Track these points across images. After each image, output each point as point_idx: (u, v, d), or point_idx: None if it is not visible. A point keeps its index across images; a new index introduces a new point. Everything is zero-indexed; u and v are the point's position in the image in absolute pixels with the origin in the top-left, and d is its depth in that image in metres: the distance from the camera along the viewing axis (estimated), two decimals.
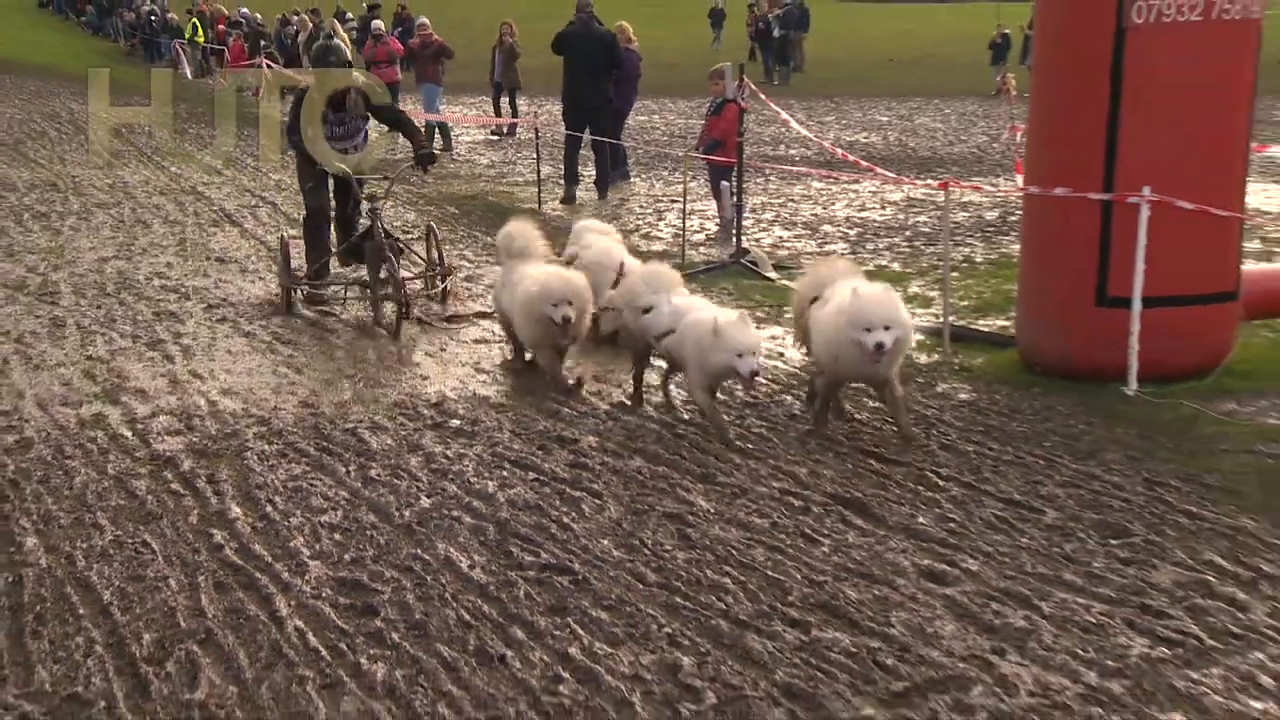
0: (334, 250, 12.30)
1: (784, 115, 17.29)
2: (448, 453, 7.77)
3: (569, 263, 10.14)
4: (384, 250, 11.02)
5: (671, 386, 8.95)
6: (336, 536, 6.47)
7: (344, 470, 7.45)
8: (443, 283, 11.98)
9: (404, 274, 11.21)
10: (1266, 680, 5.01)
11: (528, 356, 9.74)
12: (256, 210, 17.72)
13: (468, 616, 5.55)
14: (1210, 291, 8.64)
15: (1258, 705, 4.82)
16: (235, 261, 14.18)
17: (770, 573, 5.98)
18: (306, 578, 5.96)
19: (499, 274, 9.97)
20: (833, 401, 8.24)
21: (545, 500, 6.94)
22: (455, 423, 8.41)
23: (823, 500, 6.94)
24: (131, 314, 11.62)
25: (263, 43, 37.61)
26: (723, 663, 5.12)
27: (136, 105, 26.04)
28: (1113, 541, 6.36)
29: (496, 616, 5.56)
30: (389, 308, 11.19)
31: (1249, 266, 9.64)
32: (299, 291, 11.99)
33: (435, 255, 12.29)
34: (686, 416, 8.55)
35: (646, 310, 8.42)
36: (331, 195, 12.29)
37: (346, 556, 6.21)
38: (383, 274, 11.14)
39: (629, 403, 8.85)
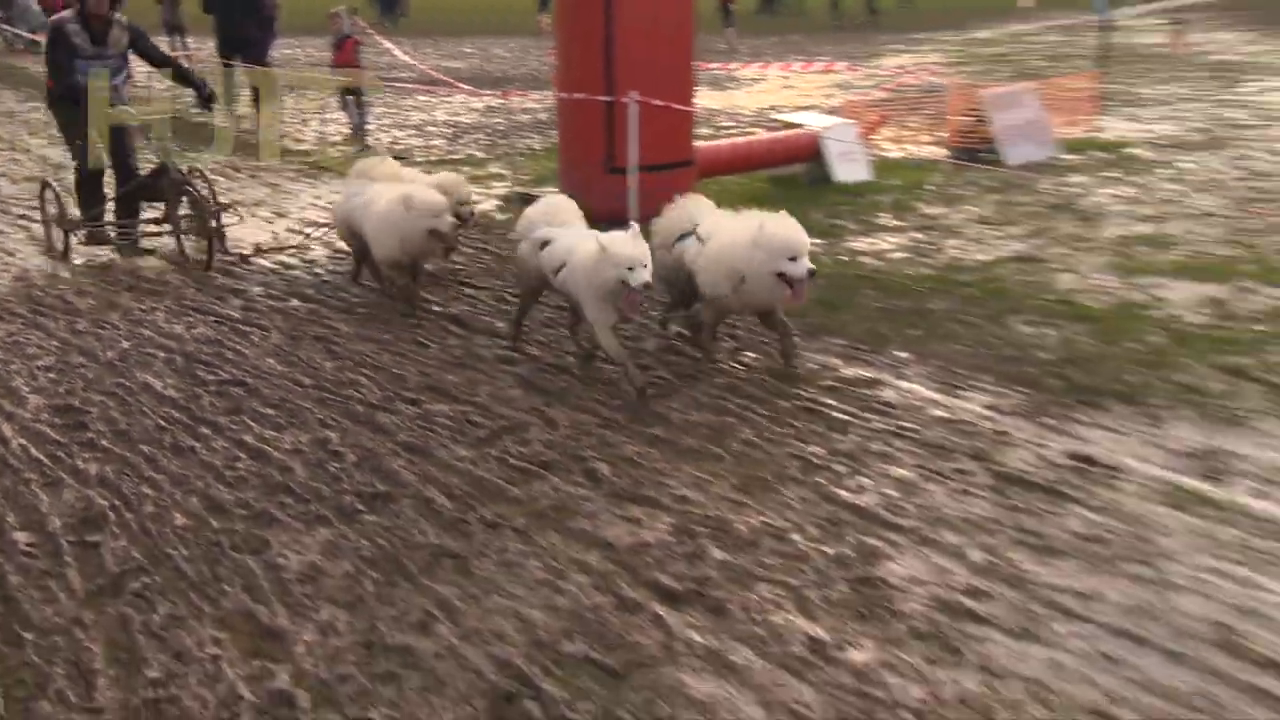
0: (108, 196, 8.57)
1: (388, 45, 16.77)
2: (142, 307, 7.26)
3: None
4: (184, 184, 8.07)
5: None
6: (51, 375, 6.00)
7: (54, 325, 6.86)
8: (217, 219, 8.20)
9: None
10: (706, 399, 5.45)
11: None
12: None
13: (163, 422, 5.32)
14: (677, 160, 8.91)
15: (698, 415, 5.25)
16: None
17: (394, 370, 5.97)
18: (26, 407, 5.55)
19: (344, 195, 7.40)
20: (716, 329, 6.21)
21: (223, 335, 6.63)
22: (147, 285, 7.82)
23: (433, 317, 6.91)
24: None
25: None
26: (360, 434, 5.12)
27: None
28: (623, 326, 6.38)
29: (186, 420, 5.35)
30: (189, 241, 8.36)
31: (699, 144, 10.01)
32: (77, 235, 8.45)
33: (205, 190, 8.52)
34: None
35: (543, 245, 5.93)
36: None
37: (60, 389, 5.79)
38: (184, 209, 8.23)
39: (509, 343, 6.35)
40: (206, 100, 8.50)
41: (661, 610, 3.63)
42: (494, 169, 12.20)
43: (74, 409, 5.50)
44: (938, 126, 12.55)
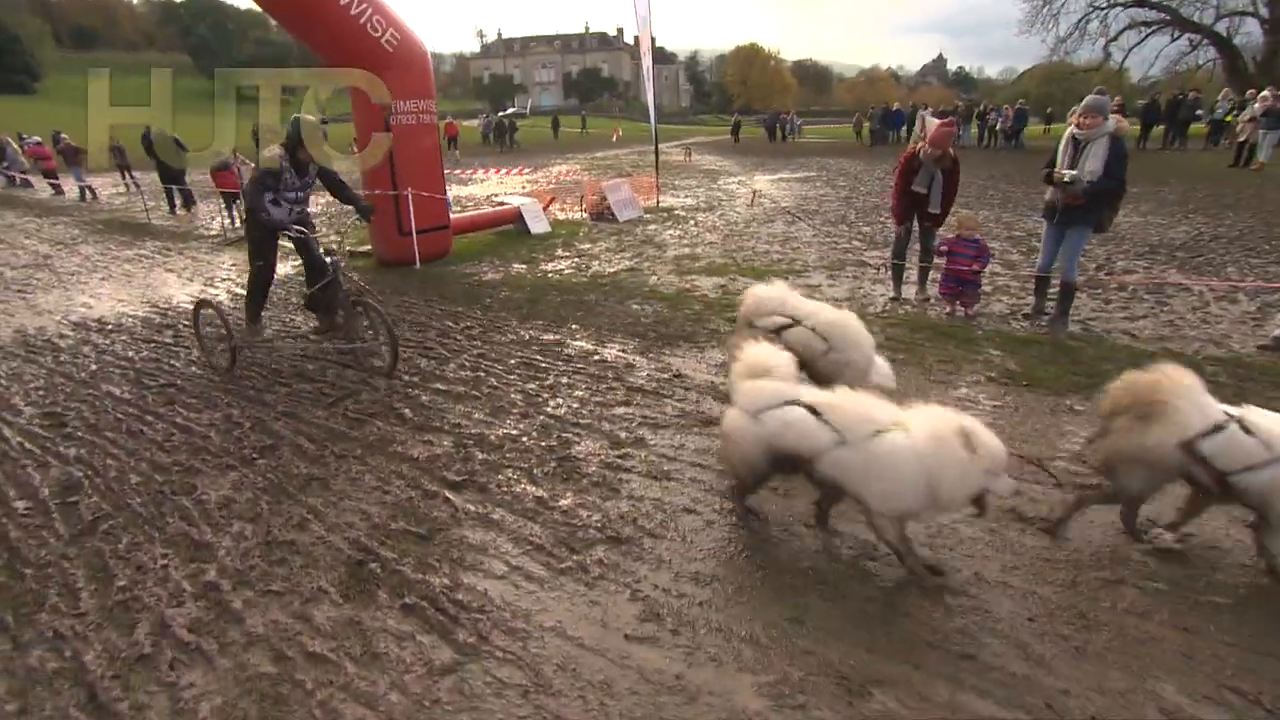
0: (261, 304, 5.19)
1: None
2: (105, 340, 5.82)
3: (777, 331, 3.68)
4: (359, 295, 4.97)
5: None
6: (40, 391, 4.71)
7: (42, 360, 5.37)
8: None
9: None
10: (467, 364, 4.91)
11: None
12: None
13: (120, 416, 4.34)
14: (439, 225, 8.25)
15: (464, 373, 4.76)
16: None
17: (272, 366, 5.11)
18: (21, 416, 4.35)
19: (751, 405, 2.81)
20: None
21: (160, 356, 5.48)
22: (109, 328, 6.25)
23: (299, 336, 5.96)
24: None
25: None
26: (252, 409, 4.39)
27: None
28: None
29: (136, 412, 4.40)
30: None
31: (453, 215, 9.35)
32: (244, 350, 5.20)
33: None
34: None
35: (1211, 431, 2.45)
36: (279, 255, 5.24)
37: (47, 401, 4.57)
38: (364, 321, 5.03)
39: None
40: (365, 213, 4.97)
41: (449, 494, 3.40)
42: (332, 236, 10.84)
43: (57, 414, 4.42)
44: (581, 202, 12.49)
